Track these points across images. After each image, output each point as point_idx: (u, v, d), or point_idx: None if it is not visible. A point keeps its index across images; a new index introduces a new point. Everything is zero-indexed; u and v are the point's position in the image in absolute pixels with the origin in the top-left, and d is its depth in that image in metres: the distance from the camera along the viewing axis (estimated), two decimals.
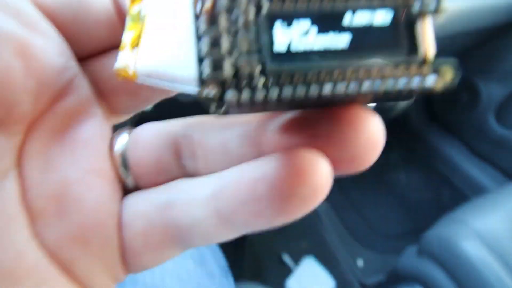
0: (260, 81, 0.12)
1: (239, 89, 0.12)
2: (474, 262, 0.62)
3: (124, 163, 0.16)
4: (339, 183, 1.14)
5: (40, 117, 0.15)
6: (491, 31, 0.98)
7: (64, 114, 0.15)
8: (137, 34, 0.15)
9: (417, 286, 0.65)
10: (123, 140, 0.16)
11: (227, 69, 0.12)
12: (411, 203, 1.26)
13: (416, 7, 0.13)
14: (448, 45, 0.95)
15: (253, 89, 0.12)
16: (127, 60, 0.14)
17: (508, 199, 0.76)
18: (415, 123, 1.45)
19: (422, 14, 0.13)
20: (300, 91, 0.12)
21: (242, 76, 0.12)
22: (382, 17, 0.13)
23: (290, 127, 0.14)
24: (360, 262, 1.06)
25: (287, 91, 0.12)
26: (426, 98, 1.43)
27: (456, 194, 1.31)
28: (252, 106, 0.13)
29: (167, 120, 0.17)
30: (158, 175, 0.16)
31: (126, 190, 0.16)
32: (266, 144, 0.14)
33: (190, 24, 0.13)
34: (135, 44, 0.15)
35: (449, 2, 0.75)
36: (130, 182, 0.16)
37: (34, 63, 0.14)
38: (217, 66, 0.12)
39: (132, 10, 0.15)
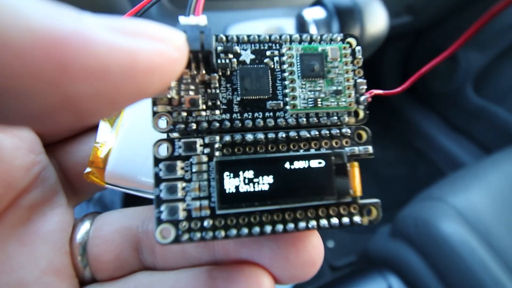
0: (210, 223, 0.16)
1: (191, 231, 0.16)
2: (454, 245, 0.53)
3: (83, 254, 0.18)
4: None
5: (2, 213, 0.17)
6: None
7: (27, 207, 0.18)
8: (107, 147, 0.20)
9: (388, 274, 0.57)
10: (84, 228, 0.19)
11: (181, 214, 0.16)
12: (385, 178, 1.19)
13: (344, 156, 0.17)
14: (425, 5, 0.86)
15: (203, 229, 0.16)
16: (96, 169, 0.19)
17: (489, 172, 0.68)
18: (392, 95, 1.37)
19: (350, 161, 0.18)
20: (244, 231, 0.16)
21: (195, 219, 0.16)
22: (316, 164, 0.17)
23: (240, 240, 0.17)
24: (330, 244, 0.98)
25: (233, 232, 0.16)
26: (403, 66, 1.35)
27: (431, 169, 1.26)
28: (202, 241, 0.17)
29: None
30: (116, 270, 0.18)
31: (83, 282, 0.18)
32: (219, 250, 0.18)
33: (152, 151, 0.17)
34: (104, 157, 0.19)
35: None
36: (87, 274, 0.18)
37: (1, 166, 0.16)
38: (172, 211, 0.16)
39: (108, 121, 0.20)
